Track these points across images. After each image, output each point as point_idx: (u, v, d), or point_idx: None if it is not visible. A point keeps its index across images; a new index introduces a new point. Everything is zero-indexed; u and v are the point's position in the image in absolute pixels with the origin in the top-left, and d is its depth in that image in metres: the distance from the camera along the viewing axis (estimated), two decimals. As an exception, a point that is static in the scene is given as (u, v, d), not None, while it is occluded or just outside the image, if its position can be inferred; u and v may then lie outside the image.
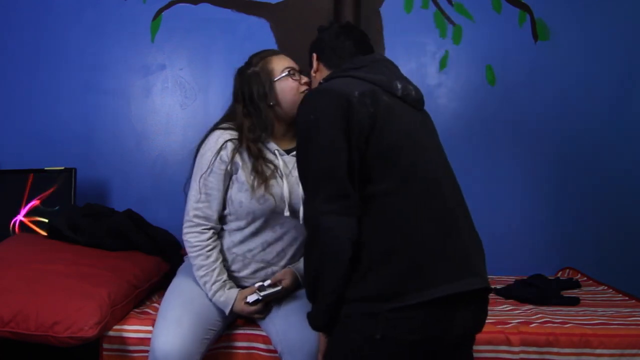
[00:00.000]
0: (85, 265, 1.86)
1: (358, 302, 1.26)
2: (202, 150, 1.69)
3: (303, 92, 1.69)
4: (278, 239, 1.71)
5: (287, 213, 1.65)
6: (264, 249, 1.71)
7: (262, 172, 1.64)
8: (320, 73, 1.54)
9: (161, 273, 2.07)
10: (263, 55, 1.75)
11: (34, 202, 2.45)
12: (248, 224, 1.69)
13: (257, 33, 2.69)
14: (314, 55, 1.56)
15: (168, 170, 2.71)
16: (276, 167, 1.67)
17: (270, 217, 1.67)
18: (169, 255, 2.14)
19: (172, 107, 2.74)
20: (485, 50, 2.69)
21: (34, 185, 2.47)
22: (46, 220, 2.30)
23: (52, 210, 2.42)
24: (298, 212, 1.65)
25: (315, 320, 1.37)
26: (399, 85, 1.39)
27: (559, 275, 2.60)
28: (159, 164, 2.71)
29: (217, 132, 1.69)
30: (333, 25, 1.59)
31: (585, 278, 2.51)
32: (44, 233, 2.22)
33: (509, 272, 2.58)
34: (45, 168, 2.49)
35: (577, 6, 2.67)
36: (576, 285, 2.37)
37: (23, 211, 2.46)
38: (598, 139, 2.69)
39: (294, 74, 1.71)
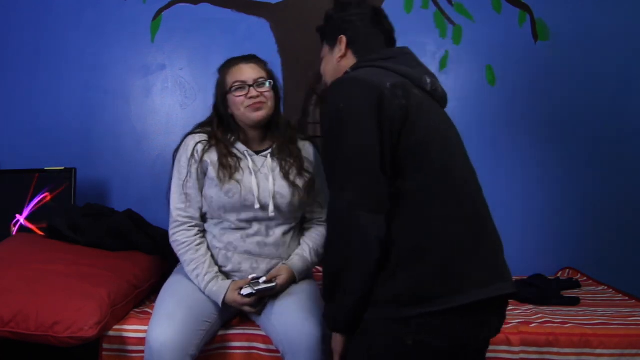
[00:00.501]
0: (85, 265, 1.86)
1: (387, 304, 1.22)
2: (177, 156, 1.81)
3: (248, 106, 1.73)
4: (257, 232, 1.75)
5: (257, 205, 1.71)
6: (243, 240, 1.75)
7: (228, 166, 1.73)
8: (346, 60, 1.45)
9: (161, 273, 2.08)
10: (226, 65, 1.82)
11: (39, 202, 2.45)
12: (224, 220, 1.75)
13: (257, 33, 2.70)
14: (343, 38, 1.44)
15: (168, 170, 2.69)
16: (240, 160, 1.75)
17: (242, 211, 1.73)
18: (168, 255, 2.14)
19: (172, 107, 2.74)
20: (485, 50, 2.69)
21: (34, 185, 2.47)
22: (46, 223, 2.29)
23: (52, 210, 2.42)
24: (268, 206, 1.72)
25: (334, 321, 1.32)
26: (428, 80, 1.35)
27: (559, 275, 2.60)
28: (159, 164, 2.71)
29: (189, 137, 1.82)
30: (364, 6, 1.47)
31: (585, 278, 2.51)
32: (43, 233, 2.22)
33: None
34: (45, 168, 2.49)
35: (577, 6, 2.67)
36: (576, 285, 2.37)
37: (27, 211, 2.45)
38: (598, 138, 2.69)
39: (242, 87, 1.74)
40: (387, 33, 1.46)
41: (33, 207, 2.45)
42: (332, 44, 1.47)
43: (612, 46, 2.67)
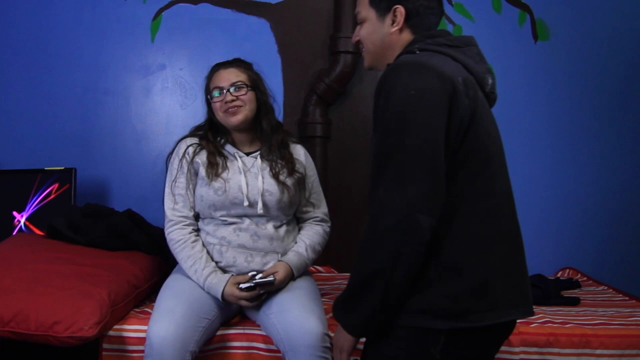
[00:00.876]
0: (85, 265, 1.86)
1: (418, 313, 1.15)
2: (170, 160, 1.87)
3: (225, 111, 1.77)
4: (249, 226, 1.77)
5: (245, 203, 1.74)
6: (237, 234, 1.76)
7: (216, 164, 1.77)
8: (401, 35, 1.27)
9: (161, 273, 2.07)
10: (210, 72, 1.86)
11: (39, 202, 2.45)
12: (215, 217, 1.78)
13: (257, 33, 2.70)
14: (402, 10, 1.26)
15: (168, 170, 2.70)
16: (226, 159, 1.80)
17: (231, 209, 1.76)
18: (168, 255, 2.13)
19: (172, 107, 2.74)
20: (485, 50, 2.67)
21: (34, 185, 2.47)
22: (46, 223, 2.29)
23: (53, 210, 2.41)
24: (256, 203, 1.75)
25: (363, 326, 1.19)
26: (490, 81, 1.25)
27: (559, 275, 2.60)
28: (159, 164, 2.69)
29: (181, 142, 1.87)
30: None
31: (585, 278, 2.51)
32: (43, 233, 2.22)
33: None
34: (45, 168, 2.49)
35: (577, 6, 2.67)
36: (576, 285, 2.37)
37: (27, 211, 2.45)
38: (597, 138, 2.69)
39: (220, 93, 1.78)
40: (441, 11, 1.32)
41: (33, 207, 2.45)
42: (383, 12, 1.28)
43: (612, 46, 2.67)
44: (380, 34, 1.29)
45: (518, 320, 1.79)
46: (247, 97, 1.79)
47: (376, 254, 1.12)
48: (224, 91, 1.78)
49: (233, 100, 1.77)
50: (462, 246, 1.15)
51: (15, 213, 2.46)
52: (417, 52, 1.20)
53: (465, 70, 1.19)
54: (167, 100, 2.74)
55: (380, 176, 1.12)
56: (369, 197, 1.18)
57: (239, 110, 1.78)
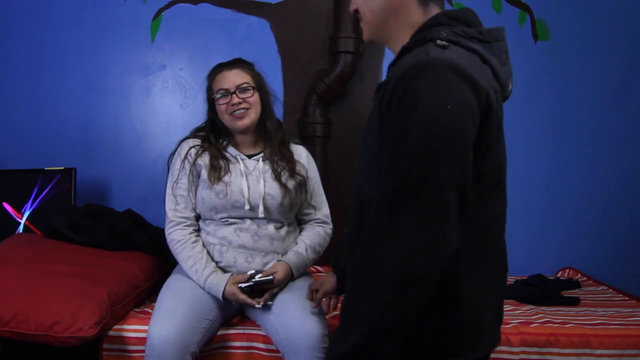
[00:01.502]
0: (85, 265, 1.86)
1: (411, 348, 1.02)
2: (172, 160, 1.87)
3: (231, 113, 1.77)
4: (249, 226, 1.77)
5: (247, 207, 1.74)
6: (237, 235, 1.76)
7: (218, 167, 1.77)
8: (411, 10, 1.08)
9: (161, 273, 2.08)
10: (212, 73, 1.85)
11: (39, 202, 2.45)
12: (216, 219, 1.78)
13: (257, 33, 2.70)
14: None
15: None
16: (228, 162, 1.79)
17: (232, 212, 1.76)
18: (168, 255, 2.13)
19: (172, 107, 2.74)
20: (485, 50, 2.68)
21: (34, 185, 2.47)
22: (46, 223, 2.30)
23: (53, 210, 2.41)
24: (257, 207, 1.75)
25: None
26: (510, 87, 1.10)
27: (559, 275, 2.60)
28: (159, 164, 2.71)
29: (184, 142, 1.87)
30: None
31: (585, 278, 2.51)
32: (43, 233, 2.22)
33: (509, 272, 2.58)
34: (45, 168, 2.49)
35: (577, 6, 2.67)
36: (576, 285, 2.38)
37: (27, 211, 2.45)
38: (597, 138, 2.69)
39: (225, 95, 1.78)
40: None
41: (33, 207, 2.45)
42: None
43: (612, 46, 2.67)
44: (385, 1, 1.09)
45: (517, 321, 1.81)
46: (253, 100, 1.79)
47: (398, 300, 0.93)
48: (230, 94, 1.77)
49: (240, 103, 1.77)
50: (460, 274, 1.02)
51: (14, 212, 2.46)
52: (446, 43, 1.00)
53: (493, 77, 1.04)
54: (167, 100, 2.74)
55: (400, 203, 0.93)
56: (372, 220, 0.97)
57: (246, 113, 1.78)
